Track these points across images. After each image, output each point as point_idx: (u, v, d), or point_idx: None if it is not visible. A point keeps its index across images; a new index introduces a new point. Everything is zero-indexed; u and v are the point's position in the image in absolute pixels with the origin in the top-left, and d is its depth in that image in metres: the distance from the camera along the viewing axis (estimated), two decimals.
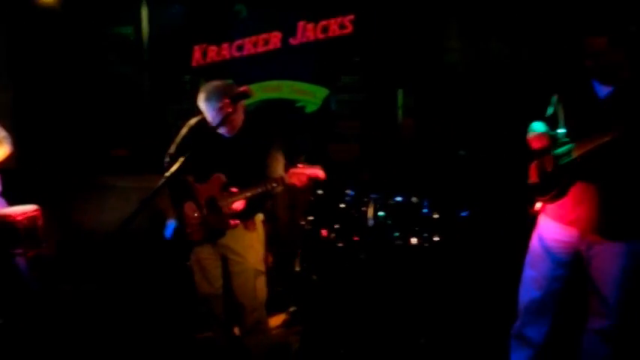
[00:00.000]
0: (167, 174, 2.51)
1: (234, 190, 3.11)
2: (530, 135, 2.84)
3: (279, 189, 3.16)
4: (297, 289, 4.53)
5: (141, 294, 4.59)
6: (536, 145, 2.82)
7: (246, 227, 3.25)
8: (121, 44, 5.99)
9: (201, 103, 3.13)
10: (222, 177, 3.13)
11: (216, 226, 3.16)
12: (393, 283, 3.87)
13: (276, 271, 4.84)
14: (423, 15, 5.45)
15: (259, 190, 3.08)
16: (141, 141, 5.91)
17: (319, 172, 3.07)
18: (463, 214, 4.23)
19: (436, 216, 4.02)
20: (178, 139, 3.35)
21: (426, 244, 3.90)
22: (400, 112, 5.61)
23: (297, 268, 4.48)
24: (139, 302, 4.47)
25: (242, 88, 3.03)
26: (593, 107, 2.67)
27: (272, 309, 4.48)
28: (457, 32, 5.46)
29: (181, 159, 2.52)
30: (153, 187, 2.43)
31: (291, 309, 4.37)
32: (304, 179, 3.05)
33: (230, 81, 3.22)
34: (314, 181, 3.07)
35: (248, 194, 3.09)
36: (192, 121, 3.34)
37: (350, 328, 3.77)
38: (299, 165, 3.07)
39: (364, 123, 5.59)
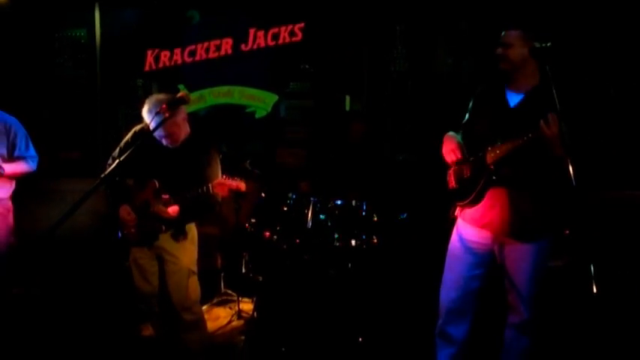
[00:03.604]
0: (102, 175, 2.65)
1: (165, 196, 3.28)
2: (444, 148, 3.03)
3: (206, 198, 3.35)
4: (244, 289, 4.65)
5: (86, 293, 4.69)
6: (449, 159, 3.01)
7: (175, 239, 3.41)
8: (73, 47, 6.02)
9: (145, 113, 3.26)
10: (156, 183, 3.30)
11: (148, 230, 3.33)
12: (333, 284, 4.00)
13: (224, 272, 4.96)
14: (371, 24, 5.62)
15: (188, 197, 3.26)
16: (92, 144, 5.94)
17: (240, 185, 3.30)
18: (402, 216, 4.39)
19: (375, 219, 4.16)
20: (122, 143, 3.46)
21: (365, 246, 4.03)
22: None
23: (244, 270, 4.60)
24: (84, 300, 4.57)
25: (179, 94, 3.13)
26: (504, 115, 2.83)
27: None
28: (404, 41, 5.64)
29: (117, 161, 2.66)
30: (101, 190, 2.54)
31: (238, 309, 4.50)
32: (225, 190, 3.29)
33: (178, 93, 3.35)
34: (235, 192, 3.35)
35: (178, 201, 3.28)
36: (137, 127, 3.46)
37: (292, 327, 3.89)
38: (224, 176, 3.30)
39: (312, 128, 5.72)
